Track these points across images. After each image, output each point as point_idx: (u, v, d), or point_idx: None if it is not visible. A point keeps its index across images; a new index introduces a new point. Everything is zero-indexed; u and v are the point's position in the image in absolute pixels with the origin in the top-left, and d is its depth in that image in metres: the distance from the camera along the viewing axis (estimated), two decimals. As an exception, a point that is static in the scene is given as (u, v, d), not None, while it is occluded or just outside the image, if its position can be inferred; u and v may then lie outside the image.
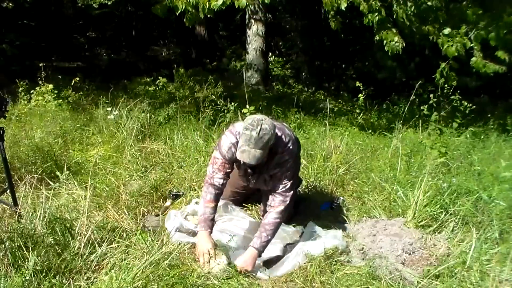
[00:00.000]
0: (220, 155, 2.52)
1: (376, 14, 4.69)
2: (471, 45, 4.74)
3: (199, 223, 2.49)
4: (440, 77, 4.96)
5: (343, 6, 4.62)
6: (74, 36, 12.91)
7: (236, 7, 4.53)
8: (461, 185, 3.02)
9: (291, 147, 2.48)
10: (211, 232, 2.46)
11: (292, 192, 2.50)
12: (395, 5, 4.81)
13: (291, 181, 2.49)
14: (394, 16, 4.83)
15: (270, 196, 2.51)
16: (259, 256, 2.39)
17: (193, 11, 4.56)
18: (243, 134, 2.29)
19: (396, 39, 4.75)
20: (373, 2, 4.64)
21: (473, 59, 4.85)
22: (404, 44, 4.78)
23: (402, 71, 10.35)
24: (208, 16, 4.63)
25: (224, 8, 4.51)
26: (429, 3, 4.67)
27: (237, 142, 2.40)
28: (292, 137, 2.54)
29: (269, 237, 2.41)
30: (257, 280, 2.26)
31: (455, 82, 4.83)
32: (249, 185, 2.74)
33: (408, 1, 4.77)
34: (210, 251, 2.33)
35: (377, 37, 4.91)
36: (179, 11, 4.56)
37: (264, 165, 2.46)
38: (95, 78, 9.01)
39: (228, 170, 2.53)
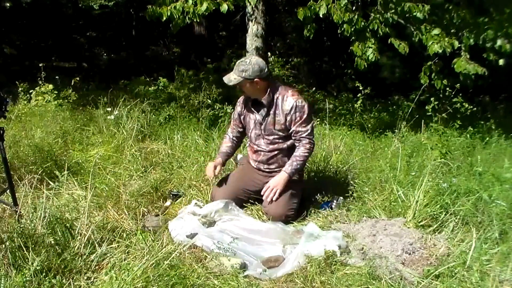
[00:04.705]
0: (232, 117, 3.21)
1: (353, 24, 4.62)
2: (459, 45, 4.70)
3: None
4: (424, 76, 4.95)
5: (322, 13, 4.60)
6: (74, 36, 12.90)
7: (221, 11, 4.57)
8: (462, 185, 3.01)
9: (298, 96, 2.90)
10: (221, 160, 3.11)
11: (313, 134, 2.95)
12: (372, 16, 4.76)
13: (311, 127, 2.93)
14: (371, 28, 4.78)
15: (296, 142, 2.95)
16: (290, 180, 2.88)
17: (181, 16, 4.62)
18: None
19: (369, 52, 4.72)
20: (348, 14, 4.56)
21: (455, 60, 4.83)
22: (378, 58, 4.76)
23: (401, 71, 10.35)
24: (195, 21, 4.70)
25: (207, 13, 4.58)
26: (415, 14, 4.62)
27: (242, 99, 3.07)
28: (304, 98, 2.95)
29: (298, 166, 2.90)
30: (257, 280, 2.26)
31: (440, 83, 4.82)
32: (261, 138, 3.01)
33: (388, 12, 4.71)
34: (214, 167, 3.02)
35: (351, 48, 4.88)
36: (164, 19, 4.62)
37: (267, 108, 2.90)
38: (95, 78, 9.02)
39: (237, 126, 3.15)
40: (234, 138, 3.19)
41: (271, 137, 2.97)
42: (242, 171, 3.20)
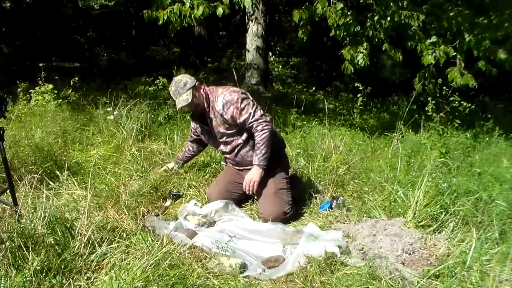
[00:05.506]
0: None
1: (343, 29, 4.63)
2: (455, 53, 4.71)
3: None
4: (418, 83, 4.98)
5: (317, 15, 4.61)
6: (74, 36, 12.91)
7: (218, 15, 4.61)
8: (461, 185, 3.01)
9: (226, 91, 2.89)
10: (177, 163, 3.43)
11: (259, 113, 2.88)
12: (368, 23, 4.76)
13: (254, 109, 2.87)
14: (365, 34, 4.78)
15: (252, 132, 2.90)
16: (263, 169, 2.88)
17: (178, 19, 4.66)
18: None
19: (359, 57, 4.72)
20: (342, 18, 4.55)
21: (449, 69, 4.83)
22: (368, 63, 4.77)
23: (402, 71, 10.35)
24: (193, 24, 4.76)
25: (203, 17, 4.64)
26: (412, 23, 4.62)
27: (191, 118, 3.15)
28: (235, 89, 2.95)
29: (263, 151, 2.85)
30: (257, 280, 2.26)
31: (432, 90, 4.84)
32: (219, 144, 3.07)
33: (383, 19, 4.72)
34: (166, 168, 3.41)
35: (341, 52, 4.88)
36: (160, 22, 4.67)
37: (208, 113, 2.95)
38: (95, 78, 9.01)
39: (194, 135, 3.29)
40: (190, 141, 3.38)
41: (223, 138, 3.02)
42: (228, 168, 3.26)
